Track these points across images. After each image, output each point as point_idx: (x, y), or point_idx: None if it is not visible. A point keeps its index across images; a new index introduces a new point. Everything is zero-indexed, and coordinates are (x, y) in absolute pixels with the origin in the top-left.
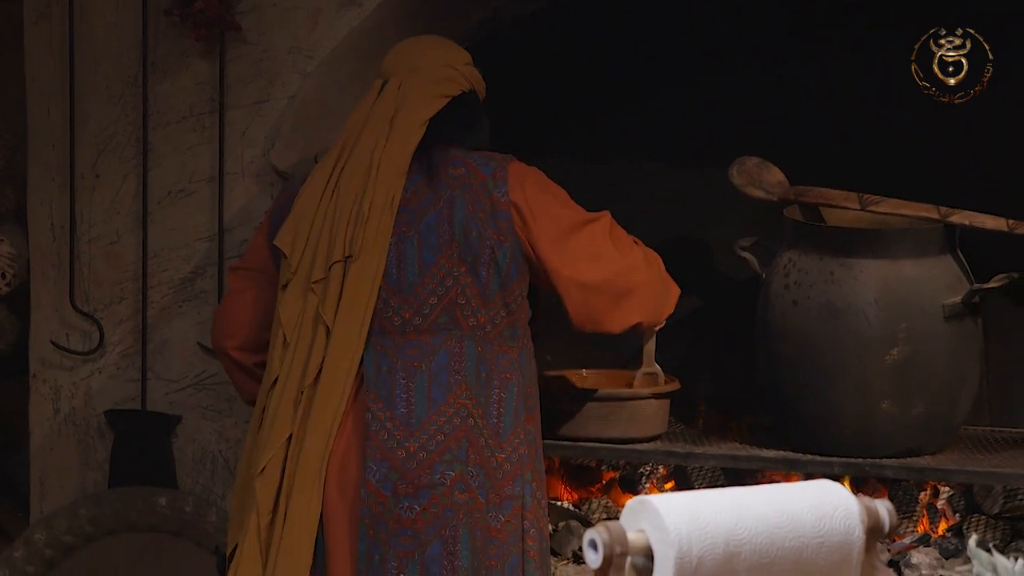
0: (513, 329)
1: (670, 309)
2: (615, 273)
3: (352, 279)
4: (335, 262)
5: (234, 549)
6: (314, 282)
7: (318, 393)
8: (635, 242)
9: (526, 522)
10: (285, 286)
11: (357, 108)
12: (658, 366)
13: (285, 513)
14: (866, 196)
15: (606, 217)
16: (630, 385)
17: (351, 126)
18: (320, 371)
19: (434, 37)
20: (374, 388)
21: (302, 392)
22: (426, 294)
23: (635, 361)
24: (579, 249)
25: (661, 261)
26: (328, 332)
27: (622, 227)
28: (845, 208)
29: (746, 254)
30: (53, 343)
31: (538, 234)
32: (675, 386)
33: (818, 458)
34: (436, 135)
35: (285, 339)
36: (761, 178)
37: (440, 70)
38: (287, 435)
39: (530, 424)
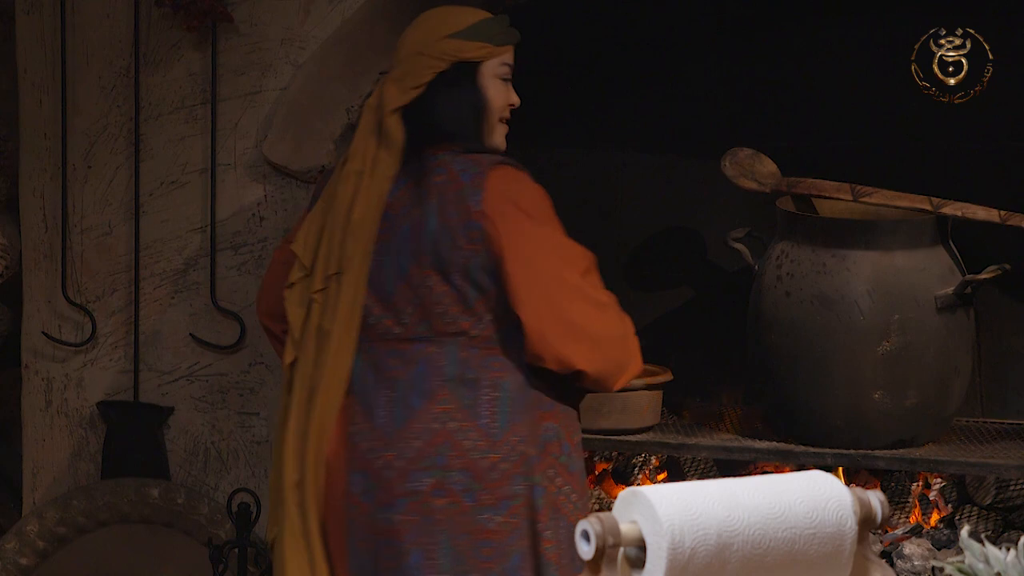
0: (503, 332)
1: (621, 382)
2: (577, 311)
3: (343, 289)
4: (331, 274)
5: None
6: (314, 292)
7: (315, 404)
8: (610, 296)
9: (539, 524)
10: (291, 285)
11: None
12: None
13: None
14: (859, 187)
15: (588, 257)
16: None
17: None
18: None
19: (426, 12)
20: (359, 399)
21: (309, 401)
22: (403, 303)
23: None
24: (544, 274)
25: (632, 327)
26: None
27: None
28: (838, 199)
29: (738, 245)
30: (45, 334)
31: (506, 250)
32: (667, 377)
33: (810, 449)
34: (420, 134)
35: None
36: (753, 169)
37: (409, 60)
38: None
39: (545, 421)
